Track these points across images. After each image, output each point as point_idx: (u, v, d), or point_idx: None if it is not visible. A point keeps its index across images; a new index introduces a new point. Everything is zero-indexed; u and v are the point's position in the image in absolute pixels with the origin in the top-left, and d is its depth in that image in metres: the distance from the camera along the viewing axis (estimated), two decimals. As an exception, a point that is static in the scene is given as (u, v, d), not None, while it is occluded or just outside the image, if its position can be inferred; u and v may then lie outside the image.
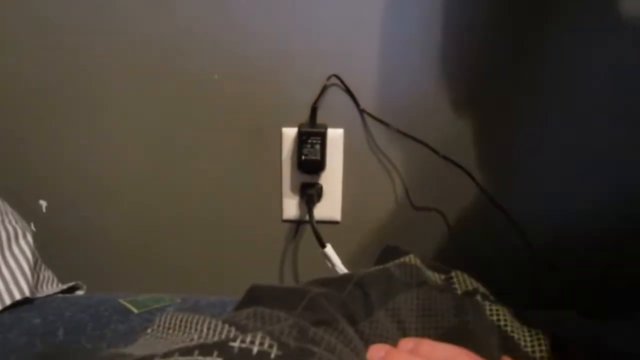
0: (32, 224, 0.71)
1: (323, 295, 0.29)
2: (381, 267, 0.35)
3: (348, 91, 0.62)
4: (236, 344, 0.22)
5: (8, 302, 0.43)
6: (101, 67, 0.64)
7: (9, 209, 0.58)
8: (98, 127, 0.67)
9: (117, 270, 0.73)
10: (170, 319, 0.29)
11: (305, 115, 0.64)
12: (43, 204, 0.71)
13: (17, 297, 0.43)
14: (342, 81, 0.62)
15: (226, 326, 0.26)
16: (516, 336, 0.31)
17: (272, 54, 0.62)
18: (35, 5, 0.62)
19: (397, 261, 0.36)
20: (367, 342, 0.28)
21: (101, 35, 0.63)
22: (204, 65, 0.63)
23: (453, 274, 0.36)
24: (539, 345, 0.31)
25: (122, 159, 0.68)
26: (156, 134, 0.67)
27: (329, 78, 0.62)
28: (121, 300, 0.43)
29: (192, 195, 0.69)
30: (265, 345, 0.22)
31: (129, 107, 0.66)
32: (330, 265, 0.58)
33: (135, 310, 0.40)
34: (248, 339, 0.23)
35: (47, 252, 0.56)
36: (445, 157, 0.63)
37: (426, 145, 0.63)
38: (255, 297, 0.31)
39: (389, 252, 0.38)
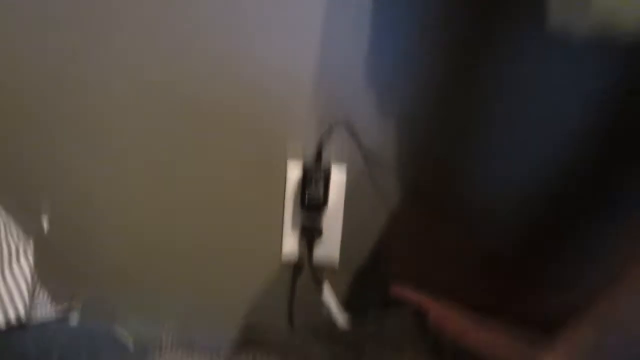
0: (31, 240, 0.71)
1: (315, 356, 0.30)
2: (375, 325, 0.36)
3: (353, 132, 0.64)
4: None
5: (2, 320, 0.43)
6: (105, 94, 0.65)
7: (12, 224, 0.58)
8: (99, 150, 0.68)
9: (113, 293, 0.73)
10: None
11: (310, 152, 0.65)
12: (44, 218, 0.72)
13: (12, 316, 0.43)
14: (348, 121, 0.63)
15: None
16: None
17: (282, 89, 0.64)
18: (36, 27, 0.64)
19: (392, 318, 0.36)
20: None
21: (105, 57, 0.64)
22: (212, 92, 0.64)
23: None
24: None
25: (123, 183, 0.69)
26: (158, 159, 0.67)
27: (336, 118, 0.63)
28: (116, 332, 0.43)
29: (192, 226, 0.69)
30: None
31: (131, 132, 0.67)
32: (326, 306, 0.58)
33: (131, 344, 0.41)
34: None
35: (44, 267, 0.56)
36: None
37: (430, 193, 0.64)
38: (251, 340, 0.32)
39: (388, 300, 0.39)
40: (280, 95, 0.64)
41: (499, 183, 0.63)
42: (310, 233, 0.64)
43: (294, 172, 0.66)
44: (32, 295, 0.50)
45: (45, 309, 0.52)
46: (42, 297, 0.53)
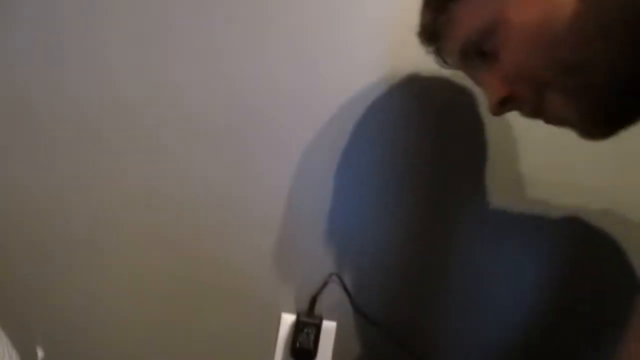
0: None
1: None
2: None
3: (345, 289, 0.71)
4: None
5: None
6: (102, 231, 0.71)
7: (14, 355, 0.61)
8: (98, 291, 0.72)
9: None
10: None
11: (304, 305, 0.71)
12: (39, 354, 0.72)
13: None
14: (340, 279, 0.71)
15: None
16: None
17: (281, 247, 0.72)
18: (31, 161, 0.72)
19: None
20: None
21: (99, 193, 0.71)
22: (212, 248, 0.72)
23: None
24: None
25: (120, 323, 0.72)
26: (155, 300, 0.71)
27: (330, 275, 0.71)
28: None
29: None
30: None
31: (130, 272, 0.71)
32: None
33: None
34: None
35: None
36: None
37: (413, 353, 0.69)
38: None
39: None
40: (278, 249, 0.72)
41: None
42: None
43: (286, 323, 0.71)
44: None
45: None
46: None
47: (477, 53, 0.49)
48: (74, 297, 0.72)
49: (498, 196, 0.73)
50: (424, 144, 0.74)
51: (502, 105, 0.49)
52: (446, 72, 0.69)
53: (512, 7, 0.44)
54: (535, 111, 0.48)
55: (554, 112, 0.46)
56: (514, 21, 0.44)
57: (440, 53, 0.56)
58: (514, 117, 0.74)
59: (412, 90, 0.74)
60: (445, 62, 0.57)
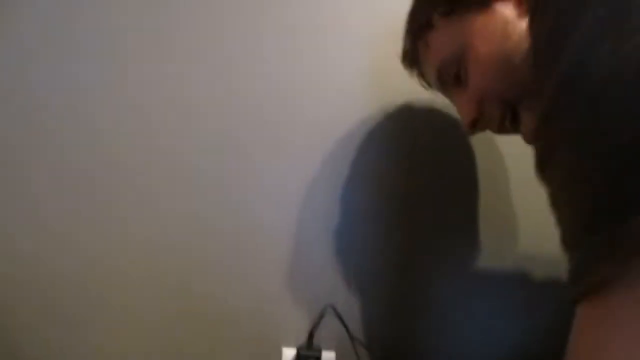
0: None
1: None
2: None
3: (341, 320, 0.72)
4: None
5: None
6: (104, 282, 0.73)
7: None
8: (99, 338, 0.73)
9: None
10: None
11: (303, 338, 0.72)
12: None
13: None
14: (335, 310, 0.72)
15: None
16: None
17: (276, 283, 0.74)
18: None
19: None
20: None
21: (103, 243, 0.73)
22: (213, 285, 0.74)
23: None
24: None
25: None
26: (158, 343, 0.73)
27: (324, 307, 0.72)
28: None
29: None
30: None
31: (135, 310, 0.73)
32: None
33: None
34: None
35: None
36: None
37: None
38: None
39: None
40: (275, 288, 0.74)
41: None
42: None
43: (287, 358, 0.72)
44: None
45: None
46: None
47: (451, 77, 0.54)
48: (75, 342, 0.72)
49: (490, 229, 0.74)
50: (416, 177, 0.76)
51: (473, 126, 0.54)
52: (438, 102, 0.70)
53: (477, 39, 0.49)
54: (504, 128, 0.52)
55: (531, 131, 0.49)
56: (479, 51, 0.49)
57: (422, 76, 0.61)
58: (507, 155, 0.76)
59: (403, 124, 0.76)
60: (428, 84, 0.62)
